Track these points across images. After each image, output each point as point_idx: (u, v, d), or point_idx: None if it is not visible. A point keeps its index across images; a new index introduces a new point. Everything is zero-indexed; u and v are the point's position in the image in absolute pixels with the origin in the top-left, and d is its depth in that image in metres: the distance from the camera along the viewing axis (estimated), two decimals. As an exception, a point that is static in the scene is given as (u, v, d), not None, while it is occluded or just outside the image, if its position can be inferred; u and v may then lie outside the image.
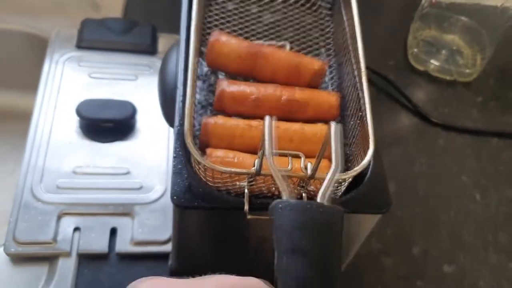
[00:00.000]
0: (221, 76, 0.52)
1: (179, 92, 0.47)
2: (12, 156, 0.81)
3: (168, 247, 0.56)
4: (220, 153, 0.42)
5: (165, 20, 0.79)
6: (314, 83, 0.49)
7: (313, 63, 0.49)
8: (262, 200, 0.41)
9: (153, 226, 0.57)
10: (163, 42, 0.75)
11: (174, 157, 0.43)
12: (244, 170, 0.39)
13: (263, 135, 0.34)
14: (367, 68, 0.75)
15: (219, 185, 0.41)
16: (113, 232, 0.57)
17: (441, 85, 0.79)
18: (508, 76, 0.83)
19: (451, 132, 0.73)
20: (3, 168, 0.79)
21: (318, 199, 0.32)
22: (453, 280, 0.60)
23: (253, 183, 0.41)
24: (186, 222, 0.44)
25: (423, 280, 0.59)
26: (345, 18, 0.52)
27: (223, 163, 0.40)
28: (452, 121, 0.74)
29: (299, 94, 0.46)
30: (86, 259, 0.55)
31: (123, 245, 0.56)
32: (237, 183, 0.41)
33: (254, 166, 0.39)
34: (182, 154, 0.43)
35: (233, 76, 0.51)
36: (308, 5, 0.56)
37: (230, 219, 0.44)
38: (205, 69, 0.52)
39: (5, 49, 0.77)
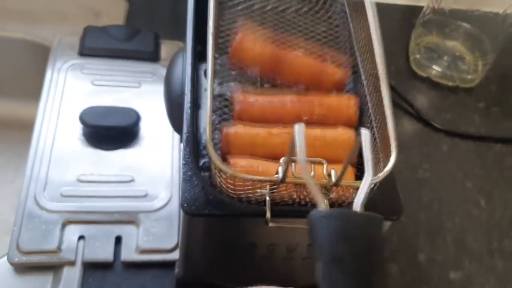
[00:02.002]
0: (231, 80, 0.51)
1: (187, 98, 0.47)
2: (13, 164, 0.80)
3: (173, 255, 0.56)
4: (243, 162, 0.41)
5: (167, 27, 0.79)
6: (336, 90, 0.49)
7: (335, 73, 0.49)
8: (282, 208, 0.41)
9: (158, 234, 0.57)
10: (165, 49, 0.75)
11: (184, 164, 0.42)
12: (268, 178, 0.39)
13: (293, 142, 0.34)
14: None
15: (240, 193, 0.41)
16: (118, 240, 0.56)
17: (443, 91, 0.79)
18: (510, 82, 0.84)
19: (454, 138, 0.73)
20: (4, 177, 0.78)
21: (355, 207, 0.31)
22: (459, 286, 0.60)
23: (275, 191, 0.40)
24: (196, 230, 0.43)
25: (429, 286, 0.59)
26: (359, 23, 0.52)
27: (248, 172, 0.39)
28: (455, 127, 0.74)
29: (318, 109, 0.46)
30: (91, 268, 0.55)
31: (128, 253, 0.56)
32: (258, 190, 0.40)
33: (277, 173, 0.39)
34: (191, 161, 0.42)
35: (253, 78, 0.50)
36: (322, 12, 0.56)
37: (242, 226, 0.43)
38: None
39: (7, 57, 0.76)
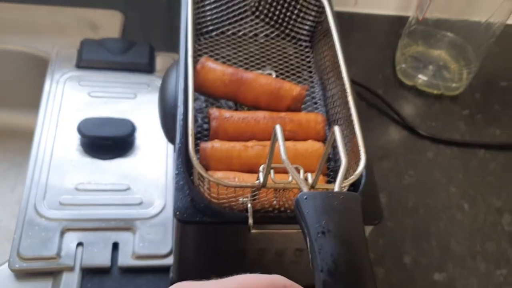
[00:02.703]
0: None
1: (180, 110, 0.50)
2: (13, 173, 0.83)
3: (168, 261, 0.58)
4: (220, 174, 0.44)
5: (162, 39, 0.81)
6: (294, 107, 0.52)
7: (292, 89, 0.52)
8: (264, 214, 0.44)
9: (153, 240, 0.59)
10: (160, 60, 0.77)
11: (176, 174, 0.45)
12: (249, 183, 0.42)
13: (273, 144, 0.37)
14: (357, 83, 0.79)
15: (223, 201, 0.44)
16: (115, 246, 0.59)
17: (429, 99, 0.82)
18: (494, 89, 0.86)
19: (439, 144, 0.76)
20: (4, 185, 0.81)
21: (336, 189, 0.35)
22: (443, 287, 0.62)
23: (256, 197, 0.43)
24: (188, 236, 0.46)
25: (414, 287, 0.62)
26: (326, 46, 0.55)
27: (225, 184, 0.42)
28: (440, 134, 0.77)
29: (289, 125, 0.49)
30: (89, 273, 0.57)
31: (125, 259, 0.58)
32: (240, 198, 0.43)
33: (258, 179, 0.41)
34: (184, 170, 0.45)
35: (217, 99, 0.54)
36: (288, 38, 0.61)
37: (231, 233, 0.46)
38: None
39: (6, 69, 0.79)
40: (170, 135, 0.55)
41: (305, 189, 0.35)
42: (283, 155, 0.35)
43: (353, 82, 0.78)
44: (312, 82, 0.59)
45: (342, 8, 0.91)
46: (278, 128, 0.35)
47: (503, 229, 0.69)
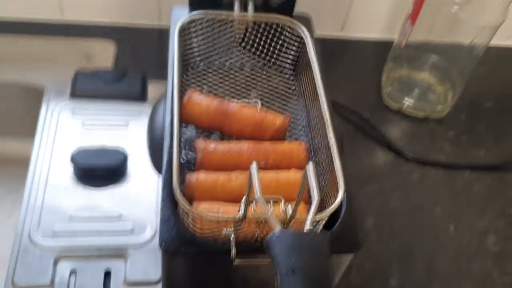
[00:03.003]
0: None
1: (166, 143, 0.52)
2: (9, 199, 0.84)
3: (159, 287, 0.59)
4: (205, 205, 0.46)
5: (154, 68, 0.83)
6: (278, 137, 0.54)
7: (275, 119, 0.55)
8: (248, 245, 0.46)
9: (145, 266, 0.61)
10: (152, 89, 0.80)
11: (162, 206, 0.47)
12: (231, 216, 0.44)
13: (250, 180, 0.39)
14: (344, 106, 0.81)
15: (207, 233, 0.45)
16: (107, 273, 0.60)
17: (415, 122, 0.84)
18: (478, 110, 0.88)
19: (425, 166, 0.78)
20: (1, 211, 0.82)
21: (307, 227, 0.37)
22: (429, 309, 0.64)
23: (239, 229, 0.45)
24: (174, 267, 0.48)
25: (401, 310, 0.63)
26: (308, 76, 0.58)
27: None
28: (426, 156, 0.79)
29: (272, 155, 0.51)
30: (82, 301, 0.59)
31: (116, 286, 0.59)
32: (224, 230, 0.45)
33: (239, 211, 0.43)
34: (169, 202, 0.47)
35: (205, 130, 0.56)
36: (273, 68, 0.64)
37: (215, 264, 0.47)
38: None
39: (2, 99, 0.81)
40: (157, 166, 0.57)
41: (277, 226, 0.36)
42: (258, 193, 0.37)
43: (339, 105, 0.81)
44: (296, 110, 0.61)
45: (329, 32, 0.94)
46: (253, 167, 0.37)
47: (489, 250, 0.70)
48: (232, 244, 0.44)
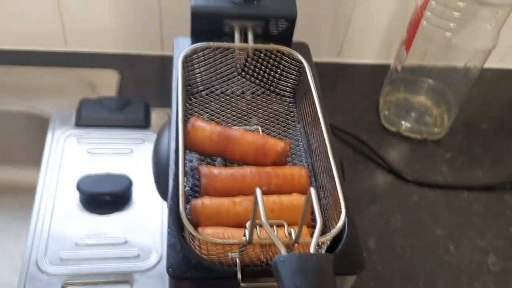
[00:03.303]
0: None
1: (171, 170, 0.53)
2: (15, 227, 0.85)
3: (165, 312, 0.60)
4: (210, 230, 0.47)
5: (157, 95, 0.86)
6: (279, 161, 0.56)
7: (276, 145, 0.56)
8: (253, 268, 0.47)
9: (150, 292, 0.62)
10: (155, 116, 0.82)
11: (168, 232, 0.48)
12: (236, 241, 0.45)
13: (255, 205, 0.40)
14: (343, 130, 0.83)
15: (213, 257, 0.46)
16: (114, 299, 0.61)
17: (412, 144, 0.86)
18: (475, 131, 0.90)
19: (424, 187, 0.79)
20: (7, 239, 0.83)
21: (311, 250, 0.38)
22: (432, 329, 0.64)
23: (244, 252, 0.46)
24: (181, 291, 0.48)
25: (404, 331, 0.64)
26: (307, 102, 0.60)
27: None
28: (424, 177, 0.81)
29: (275, 180, 0.53)
30: (89, 327, 0.60)
31: (123, 311, 0.60)
32: (229, 254, 0.46)
33: (244, 236, 0.44)
34: (175, 228, 0.48)
35: (208, 156, 0.58)
36: (273, 94, 0.66)
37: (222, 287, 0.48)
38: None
39: (9, 129, 0.83)
40: (163, 192, 0.58)
41: (282, 250, 0.38)
42: (263, 219, 0.38)
43: (338, 129, 0.83)
44: (297, 135, 0.63)
45: (326, 59, 0.96)
46: (258, 193, 0.39)
47: (489, 269, 0.71)
48: (238, 267, 0.45)
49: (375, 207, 0.76)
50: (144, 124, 0.80)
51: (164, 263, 0.64)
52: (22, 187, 0.87)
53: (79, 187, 0.68)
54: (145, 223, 0.69)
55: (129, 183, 0.70)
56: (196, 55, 0.62)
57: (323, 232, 0.47)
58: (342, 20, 0.91)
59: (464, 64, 0.81)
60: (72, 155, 0.75)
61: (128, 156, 0.76)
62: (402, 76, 0.86)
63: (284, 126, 0.64)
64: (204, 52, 0.63)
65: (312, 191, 0.39)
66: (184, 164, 0.56)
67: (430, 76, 0.87)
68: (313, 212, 0.55)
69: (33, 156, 0.80)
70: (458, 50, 0.76)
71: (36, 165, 0.74)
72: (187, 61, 0.62)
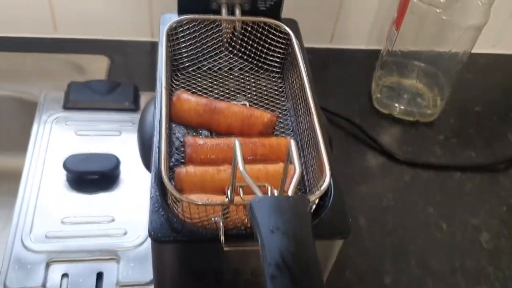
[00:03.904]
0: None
1: (156, 139, 0.52)
2: (3, 215, 0.84)
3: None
4: (193, 196, 0.46)
5: (147, 80, 0.85)
6: (265, 133, 0.55)
7: (263, 116, 0.55)
8: (237, 231, 0.46)
9: (137, 268, 0.61)
10: (144, 99, 0.81)
11: (151, 197, 0.47)
12: (218, 201, 0.44)
13: (234, 157, 0.39)
14: (335, 113, 0.82)
15: (196, 221, 0.46)
16: (100, 276, 0.60)
17: (405, 126, 0.85)
18: (467, 114, 0.90)
19: (416, 168, 0.79)
20: (-6, 225, 0.82)
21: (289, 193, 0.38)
22: (424, 306, 0.63)
23: (227, 215, 0.45)
24: (164, 257, 0.47)
25: (396, 307, 0.63)
26: (295, 75, 0.59)
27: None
28: (416, 158, 0.80)
29: (261, 149, 0.52)
30: (74, 303, 0.58)
31: (109, 287, 0.59)
32: (213, 218, 0.45)
33: (226, 197, 0.44)
34: (159, 194, 0.47)
35: (195, 129, 0.57)
36: (261, 70, 0.65)
37: (206, 252, 0.47)
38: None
39: (-3, 114, 0.82)
40: (148, 165, 0.57)
41: (259, 193, 0.37)
42: (241, 167, 0.38)
43: (330, 112, 0.83)
44: (285, 110, 0.62)
45: (319, 44, 0.96)
46: (236, 143, 0.38)
47: (482, 247, 0.70)
48: (221, 231, 0.44)
49: (366, 187, 0.75)
50: (133, 107, 0.79)
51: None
52: (11, 173, 0.86)
53: (65, 166, 0.68)
54: (133, 202, 0.68)
55: (117, 162, 0.69)
56: (181, 28, 0.62)
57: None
58: (333, 5, 0.91)
59: (454, 44, 0.80)
60: (60, 137, 0.74)
61: (117, 137, 0.75)
62: (394, 60, 0.86)
63: (272, 102, 0.63)
64: (190, 25, 0.62)
65: (291, 141, 0.39)
66: (169, 135, 0.56)
67: (422, 59, 0.87)
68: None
69: (21, 142, 0.79)
70: (448, 26, 0.76)
71: (24, 152, 0.73)
72: (172, 34, 0.61)
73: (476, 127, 0.87)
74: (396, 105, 0.86)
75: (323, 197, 0.49)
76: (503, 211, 0.75)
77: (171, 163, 0.54)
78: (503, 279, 0.66)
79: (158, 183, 0.48)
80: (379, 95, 0.87)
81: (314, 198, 0.45)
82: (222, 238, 0.44)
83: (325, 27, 0.95)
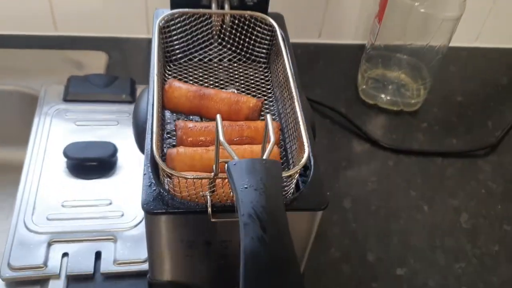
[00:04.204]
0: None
1: (149, 122, 0.56)
2: (7, 204, 0.88)
3: (147, 265, 0.63)
4: (183, 173, 0.50)
5: (143, 75, 0.89)
6: (252, 117, 0.59)
7: (249, 101, 0.59)
8: (223, 204, 0.50)
9: (133, 247, 0.65)
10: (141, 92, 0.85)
11: (144, 175, 0.51)
12: (205, 175, 0.48)
13: (216, 129, 0.43)
14: (321, 104, 0.86)
15: (185, 194, 0.49)
16: (98, 255, 0.64)
17: (390, 115, 0.89)
18: (449, 103, 0.94)
19: (399, 154, 0.82)
20: (-1, 215, 0.86)
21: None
22: (405, 281, 0.67)
23: (214, 189, 0.49)
24: (156, 229, 0.51)
25: (377, 282, 0.66)
26: (279, 63, 0.63)
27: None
28: (400, 144, 0.84)
29: (247, 132, 0.56)
30: (74, 280, 0.62)
31: (107, 265, 0.63)
32: (201, 192, 0.49)
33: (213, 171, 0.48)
34: (151, 171, 0.51)
35: (186, 115, 0.61)
36: (249, 61, 0.69)
37: (195, 224, 0.51)
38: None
39: (-1, 107, 0.86)
40: (142, 147, 0.61)
41: (235, 157, 0.41)
42: (221, 137, 0.41)
43: (317, 103, 0.86)
44: (271, 97, 0.66)
45: (307, 40, 1.00)
46: (218, 117, 0.42)
47: (461, 226, 0.74)
48: (209, 203, 0.48)
49: (351, 171, 0.79)
50: (130, 99, 0.83)
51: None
52: (14, 164, 0.90)
53: (65, 153, 0.71)
54: (130, 187, 0.72)
55: (115, 149, 0.73)
56: (173, 21, 0.66)
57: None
58: (321, 1, 0.95)
59: (427, 43, 0.84)
60: (60, 127, 0.78)
61: (114, 127, 0.79)
62: (378, 53, 0.90)
63: (259, 90, 0.67)
64: (181, 19, 0.66)
65: (268, 116, 0.43)
66: (162, 119, 0.60)
67: (405, 52, 0.91)
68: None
69: (23, 135, 0.83)
70: (427, 19, 0.79)
71: (26, 144, 0.77)
72: (165, 27, 0.65)
73: (457, 115, 0.91)
74: (382, 95, 0.90)
75: (305, 174, 0.53)
76: (482, 193, 0.78)
77: (164, 149, 0.58)
78: (479, 255, 0.70)
79: (151, 161, 0.51)
80: (364, 87, 0.91)
81: (293, 171, 0.49)
82: (209, 210, 0.48)
83: (313, 23, 0.99)
